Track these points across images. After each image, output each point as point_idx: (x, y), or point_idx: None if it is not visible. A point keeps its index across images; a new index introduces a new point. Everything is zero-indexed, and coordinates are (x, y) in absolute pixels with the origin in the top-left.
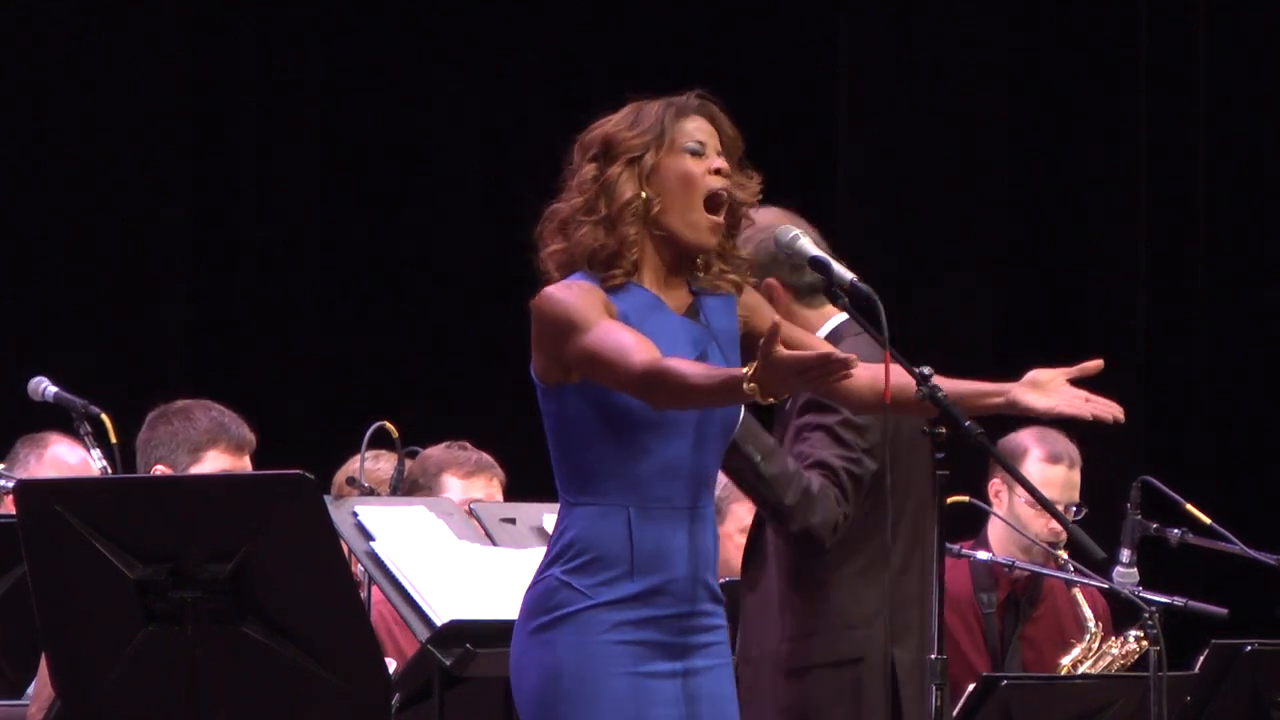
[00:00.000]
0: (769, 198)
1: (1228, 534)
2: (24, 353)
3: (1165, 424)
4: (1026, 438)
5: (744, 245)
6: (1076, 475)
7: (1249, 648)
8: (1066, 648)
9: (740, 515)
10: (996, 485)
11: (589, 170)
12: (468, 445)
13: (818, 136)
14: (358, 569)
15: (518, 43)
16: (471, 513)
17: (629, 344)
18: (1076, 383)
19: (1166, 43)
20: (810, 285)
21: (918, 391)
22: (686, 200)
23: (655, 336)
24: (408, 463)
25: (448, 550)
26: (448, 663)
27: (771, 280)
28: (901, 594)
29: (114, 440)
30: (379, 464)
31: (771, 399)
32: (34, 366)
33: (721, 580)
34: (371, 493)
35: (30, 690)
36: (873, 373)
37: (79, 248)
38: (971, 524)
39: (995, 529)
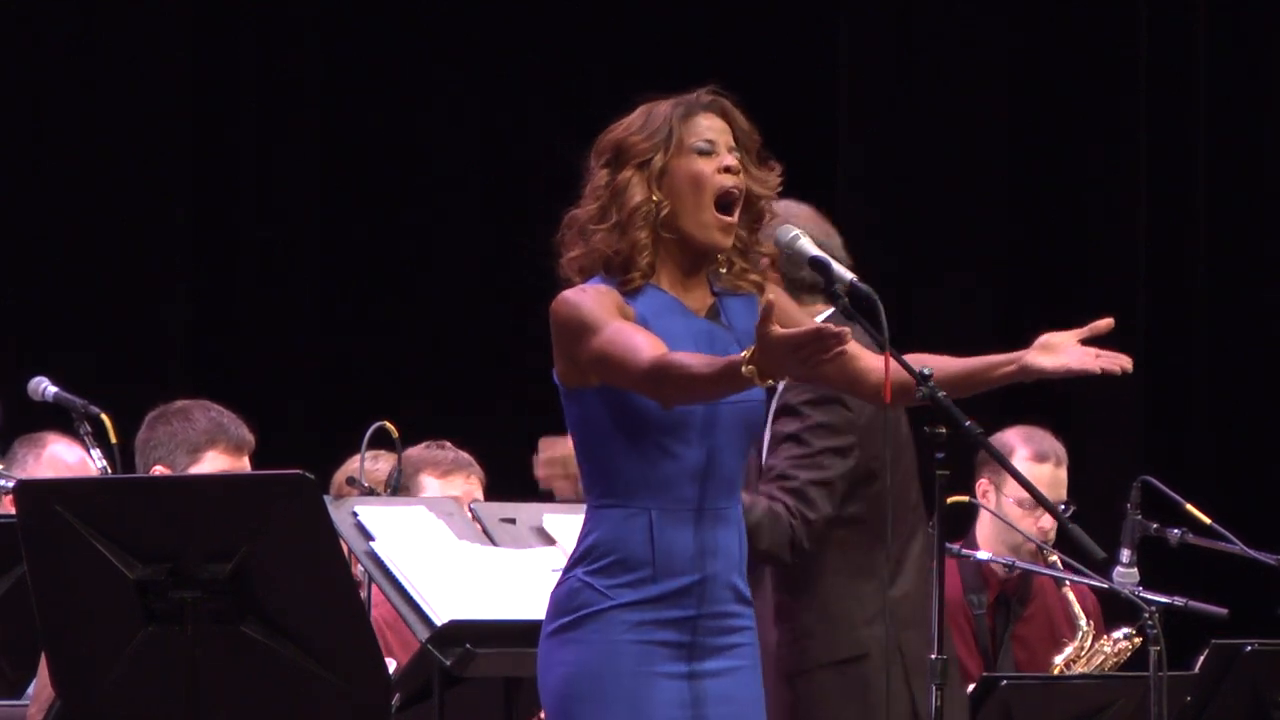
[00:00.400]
0: None
1: (1228, 534)
2: (24, 353)
3: (1165, 424)
4: (1012, 437)
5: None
6: (1063, 474)
7: (1249, 648)
8: (1059, 647)
9: None
10: (984, 485)
11: (601, 176)
12: (446, 444)
13: (818, 136)
14: (358, 569)
15: (518, 43)
16: (472, 512)
17: (638, 343)
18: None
19: (1166, 43)
20: (805, 283)
21: (917, 391)
22: (697, 201)
23: (675, 339)
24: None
25: (448, 550)
26: (448, 663)
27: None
28: (898, 589)
29: (114, 440)
30: (379, 464)
31: (771, 381)
32: (34, 366)
33: None
34: (371, 493)
35: (30, 690)
36: (873, 361)
37: (79, 248)
38: (956, 524)
39: (984, 529)
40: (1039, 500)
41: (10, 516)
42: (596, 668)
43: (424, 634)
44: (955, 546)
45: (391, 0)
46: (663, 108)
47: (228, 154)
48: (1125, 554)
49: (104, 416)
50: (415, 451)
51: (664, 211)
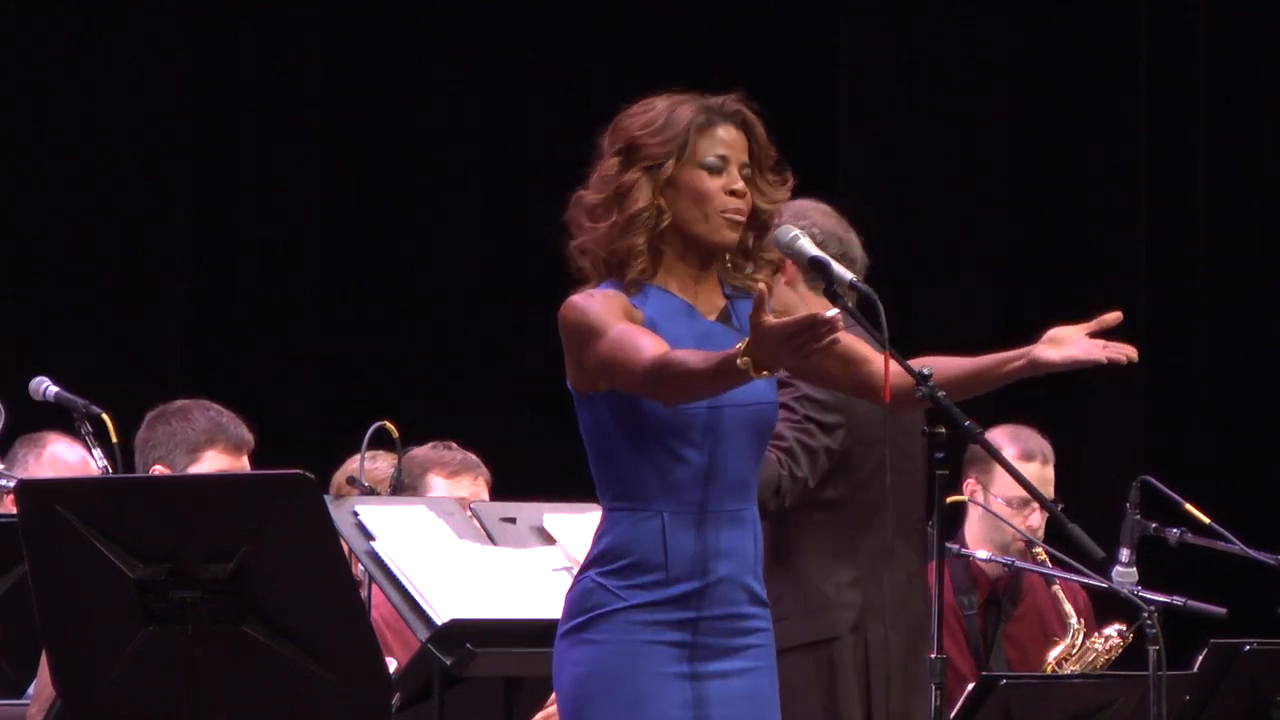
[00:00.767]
0: None
1: (1227, 534)
2: (24, 353)
3: (1165, 424)
4: (999, 436)
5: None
6: (1050, 472)
7: (1248, 647)
8: (1050, 645)
9: None
10: (971, 485)
11: (611, 165)
12: (453, 445)
13: (818, 136)
14: (358, 569)
15: (518, 43)
16: (472, 512)
17: (641, 344)
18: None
19: (1166, 43)
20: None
21: (917, 391)
22: (699, 214)
23: (683, 341)
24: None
25: (448, 550)
26: (448, 662)
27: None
28: (877, 580)
29: (115, 440)
30: (379, 464)
31: (766, 372)
32: (34, 366)
33: None
34: (371, 492)
35: (30, 690)
36: (881, 365)
37: (79, 248)
38: (948, 525)
39: (972, 529)
40: (1037, 499)
41: (11, 516)
42: (608, 668)
43: (424, 634)
44: (954, 547)
45: (391, 0)
46: (685, 111)
47: (228, 154)
48: (1124, 553)
49: (105, 416)
50: (422, 452)
51: (664, 221)
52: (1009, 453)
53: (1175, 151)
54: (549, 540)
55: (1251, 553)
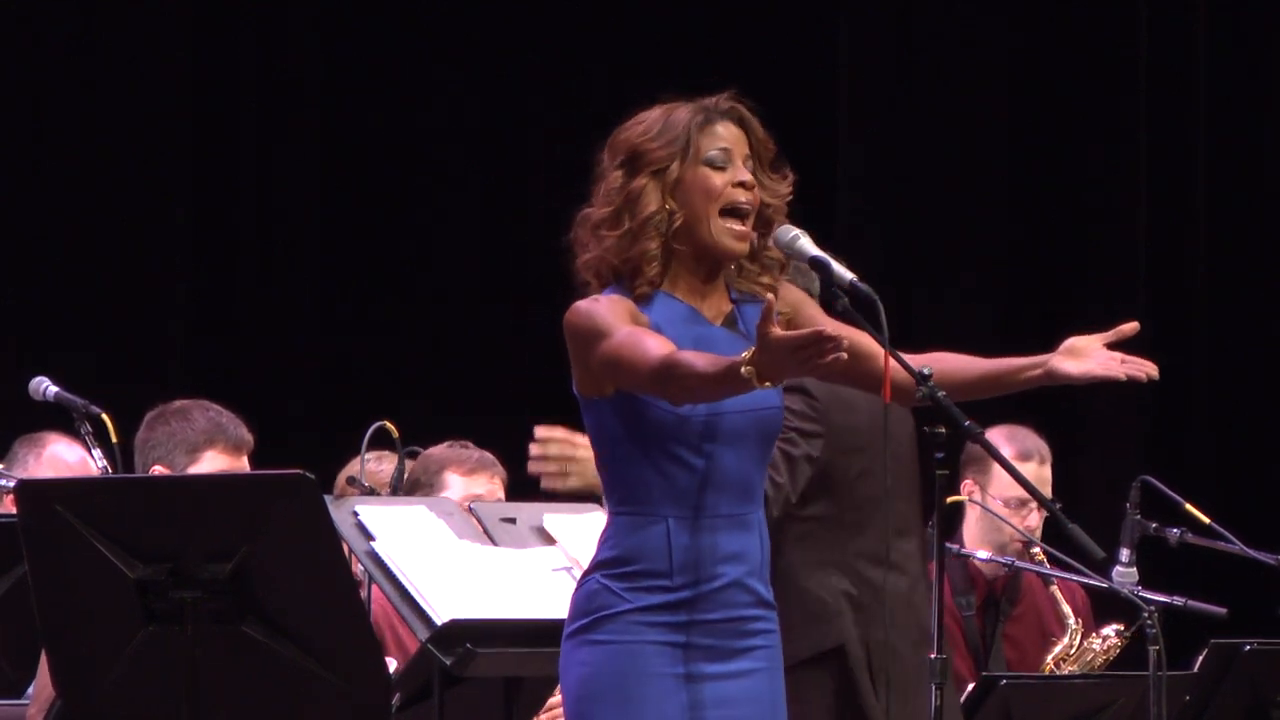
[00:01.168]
0: None
1: (1227, 534)
2: (24, 353)
3: (1165, 424)
4: (996, 436)
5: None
6: (1047, 472)
7: (1248, 647)
8: (1048, 645)
9: None
10: (969, 486)
11: (616, 179)
12: (469, 444)
13: (818, 136)
14: (358, 569)
15: (518, 43)
16: (472, 512)
17: (648, 345)
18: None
19: (1166, 43)
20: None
21: (917, 391)
22: (709, 211)
23: (689, 346)
24: (408, 462)
25: (448, 550)
26: (448, 662)
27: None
28: (873, 586)
29: (115, 440)
30: (379, 464)
31: (769, 383)
32: (34, 366)
33: None
34: (372, 492)
35: (30, 690)
36: (873, 349)
37: (79, 248)
38: (947, 525)
39: (970, 530)
40: (1037, 499)
41: (10, 516)
42: (613, 669)
43: (424, 634)
44: (953, 547)
45: (391, 0)
46: (682, 113)
47: (228, 154)
48: (1125, 553)
49: (104, 416)
50: (439, 450)
51: (677, 222)
52: (1006, 453)
53: (1175, 151)
54: (549, 540)
55: (1251, 553)
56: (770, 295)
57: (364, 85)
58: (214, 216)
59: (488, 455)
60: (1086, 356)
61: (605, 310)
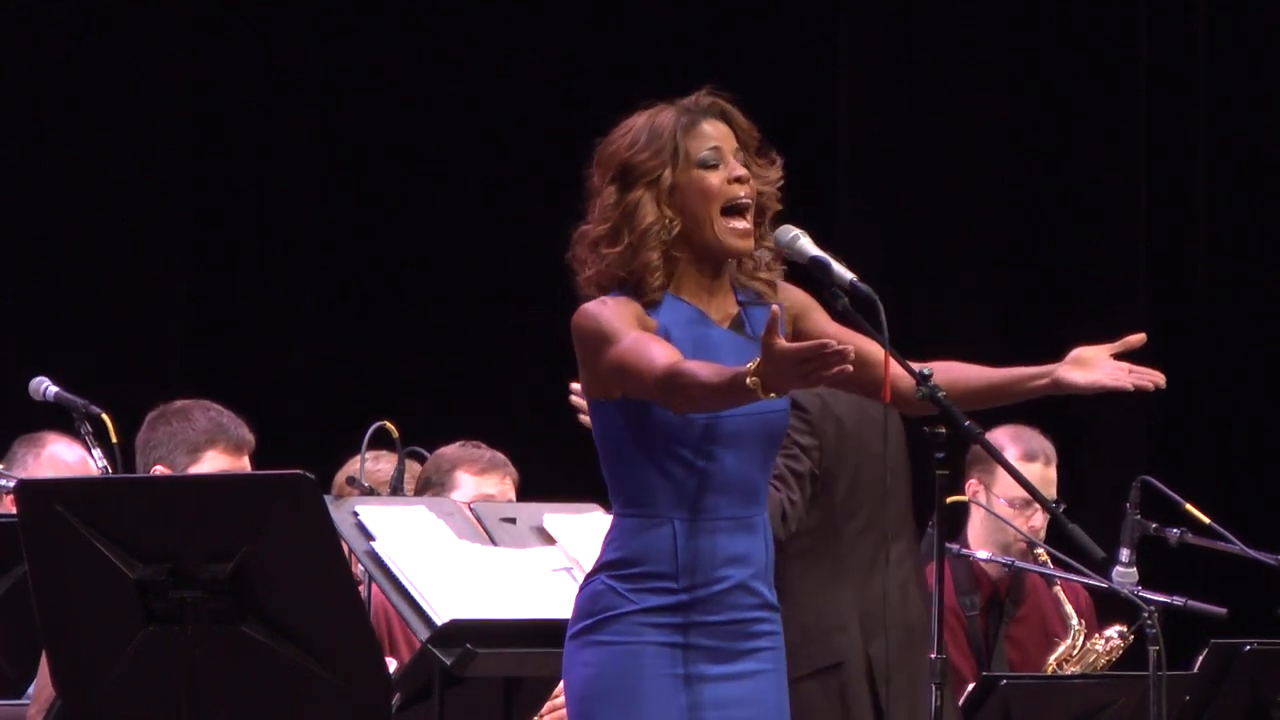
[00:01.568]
0: None
1: (1227, 534)
2: (24, 353)
3: (1165, 424)
4: (1001, 436)
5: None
6: (1053, 472)
7: (1248, 647)
8: (1051, 646)
9: None
10: (974, 486)
11: (610, 194)
12: (481, 444)
13: (818, 136)
14: (358, 569)
15: (518, 43)
16: (472, 512)
17: (654, 352)
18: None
19: (1166, 43)
20: None
21: (917, 391)
22: (708, 213)
23: (699, 351)
24: (412, 464)
25: (448, 550)
26: (448, 662)
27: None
28: (870, 593)
29: (115, 440)
30: (379, 464)
31: (774, 394)
32: (34, 366)
33: None
34: (372, 492)
35: (30, 690)
36: (876, 356)
37: (79, 248)
38: (950, 526)
39: (975, 530)
40: (1037, 499)
41: (10, 516)
42: (617, 669)
43: (424, 634)
44: (954, 547)
45: (391, 0)
46: (665, 118)
47: (228, 154)
48: (1125, 554)
49: (104, 416)
50: (451, 450)
51: (676, 229)
52: (1011, 453)
53: (1175, 151)
54: (549, 540)
55: (1251, 553)
56: (775, 306)
57: (364, 85)
58: (214, 216)
59: (499, 455)
60: (1094, 367)
61: (612, 314)
